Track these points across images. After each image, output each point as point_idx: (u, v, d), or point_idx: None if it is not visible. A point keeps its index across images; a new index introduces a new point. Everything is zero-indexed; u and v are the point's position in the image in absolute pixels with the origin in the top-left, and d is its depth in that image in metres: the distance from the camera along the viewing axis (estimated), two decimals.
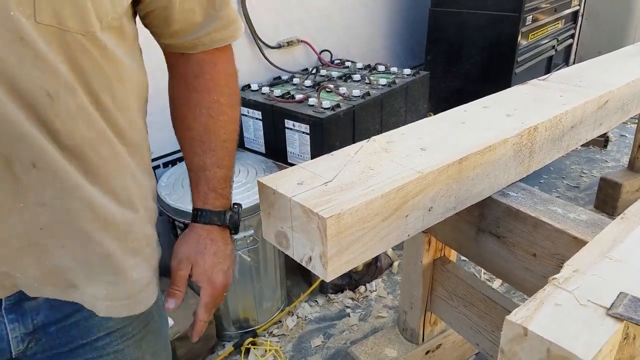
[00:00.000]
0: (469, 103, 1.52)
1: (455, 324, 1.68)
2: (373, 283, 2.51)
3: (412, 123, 1.39)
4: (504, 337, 0.71)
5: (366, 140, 1.26)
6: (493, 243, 1.39)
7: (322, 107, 2.13)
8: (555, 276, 0.79)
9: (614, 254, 0.84)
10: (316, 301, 2.41)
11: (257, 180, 1.07)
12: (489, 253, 1.41)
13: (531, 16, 2.93)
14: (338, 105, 2.14)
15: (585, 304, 0.72)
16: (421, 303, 1.73)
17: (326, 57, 2.91)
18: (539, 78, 1.76)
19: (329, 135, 2.09)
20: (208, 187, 0.97)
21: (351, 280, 2.47)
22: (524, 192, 1.37)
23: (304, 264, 1.02)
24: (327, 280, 1.00)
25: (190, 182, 1.00)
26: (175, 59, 0.96)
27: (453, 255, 1.73)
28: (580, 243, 1.16)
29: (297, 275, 2.55)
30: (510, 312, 1.44)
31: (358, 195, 0.99)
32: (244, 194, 1.96)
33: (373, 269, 2.52)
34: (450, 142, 1.22)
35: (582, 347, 0.65)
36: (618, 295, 0.73)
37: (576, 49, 4.31)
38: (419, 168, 1.08)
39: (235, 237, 1.90)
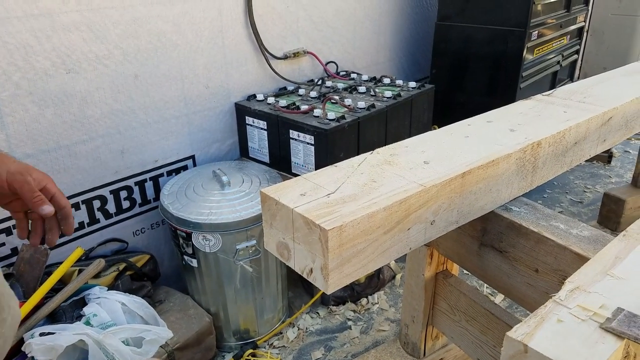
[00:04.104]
0: (473, 117, 1.52)
1: (456, 339, 1.67)
2: (375, 295, 2.50)
3: (416, 136, 1.39)
4: (504, 353, 0.71)
5: (370, 152, 1.27)
6: (495, 258, 1.39)
7: (327, 119, 2.14)
8: (557, 293, 0.79)
9: (615, 272, 0.84)
10: (317, 313, 2.40)
11: (260, 191, 1.08)
12: (491, 268, 1.41)
13: (537, 31, 2.94)
14: (343, 117, 2.15)
15: (586, 321, 0.71)
16: (423, 317, 1.73)
17: (332, 68, 2.93)
18: (543, 93, 1.76)
19: (333, 147, 2.10)
20: None
21: (353, 292, 2.46)
22: (527, 207, 1.37)
23: (305, 275, 1.02)
24: (328, 293, 1.00)
25: None
26: None
27: (455, 269, 1.72)
28: (582, 259, 1.16)
29: (298, 287, 2.54)
30: (512, 327, 1.44)
31: (360, 207, 0.99)
32: (247, 204, 1.96)
33: (375, 281, 2.51)
34: (454, 156, 1.22)
35: None
36: (614, 311, 0.72)
37: (580, 65, 4.32)
38: (422, 181, 1.08)
39: (238, 247, 1.92)
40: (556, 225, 1.28)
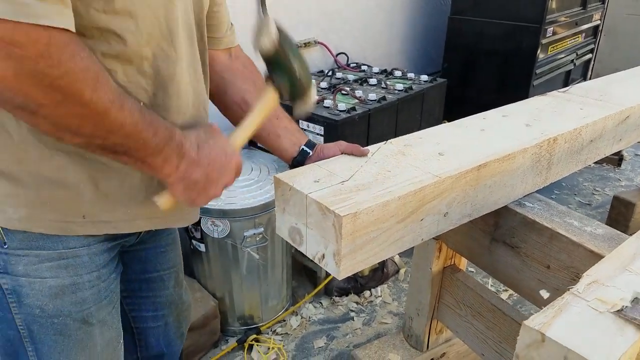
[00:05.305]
0: (489, 111, 1.51)
1: (461, 333, 1.66)
2: (378, 288, 2.50)
3: (430, 128, 1.38)
4: (520, 342, 0.70)
5: (384, 142, 1.26)
6: (506, 253, 1.37)
7: (337, 110, 2.12)
8: (574, 286, 0.78)
9: (634, 267, 0.83)
10: (321, 303, 2.40)
11: (274, 176, 1.07)
12: (501, 263, 1.40)
13: (552, 28, 2.91)
14: (354, 108, 2.14)
15: (604, 314, 0.71)
16: (428, 310, 1.72)
17: (342, 59, 2.91)
18: (560, 90, 1.75)
19: (343, 138, 2.08)
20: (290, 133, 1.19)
21: (357, 284, 2.45)
22: (541, 203, 1.36)
23: (316, 260, 1.02)
24: (339, 279, 0.99)
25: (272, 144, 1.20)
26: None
27: (463, 263, 1.71)
28: (596, 257, 1.15)
29: (302, 276, 2.54)
30: (519, 323, 1.43)
31: (375, 195, 0.98)
32: (256, 192, 1.96)
33: (379, 274, 2.51)
34: (469, 149, 1.21)
35: (600, 355, 0.64)
36: (633, 300, 0.72)
37: (593, 64, 4.29)
38: (437, 172, 1.07)
39: (245, 234, 1.91)
40: (570, 222, 1.26)
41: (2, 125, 0.82)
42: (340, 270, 0.96)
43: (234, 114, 1.18)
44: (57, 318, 0.96)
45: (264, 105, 0.99)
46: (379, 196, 0.98)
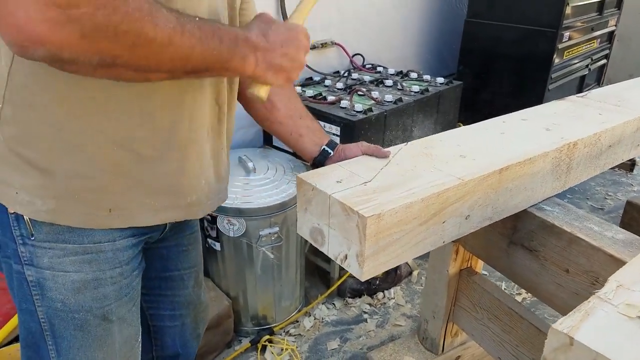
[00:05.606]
0: (507, 114, 1.51)
1: (477, 336, 1.66)
2: (391, 290, 2.50)
3: (450, 130, 1.39)
4: (548, 346, 0.71)
5: (404, 143, 1.26)
6: (524, 256, 1.38)
7: (354, 110, 2.13)
8: (600, 290, 0.78)
9: None
10: (333, 304, 2.41)
11: (297, 176, 1.08)
12: (519, 266, 1.40)
13: (568, 33, 2.91)
14: (370, 109, 2.14)
15: (633, 319, 0.71)
16: (444, 313, 1.72)
17: (358, 60, 2.92)
18: (578, 95, 1.74)
19: (359, 138, 2.08)
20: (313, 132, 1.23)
21: (370, 286, 2.46)
22: (560, 207, 1.36)
23: (338, 261, 1.02)
24: (362, 280, 1.00)
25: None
26: None
27: (479, 266, 1.72)
28: (616, 261, 1.14)
29: (314, 277, 2.54)
30: (537, 327, 1.43)
31: (398, 197, 0.99)
32: (272, 191, 1.97)
33: (392, 276, 2.51)
34: (490, 152, 1.21)
35: None
36: None
37: (605, 70, 4.27)
38: (460, 175, 1.08)
39: (261, 233, 1.92)
40: (590, 226, 1.26)
41: (35, 117, 0.84)
42: (363, 271, 0.96)
43: (257, 112, 1.20)
44: (78, 313, 0.97)
45: None
46: (403, 198, 0.98)
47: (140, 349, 1.14)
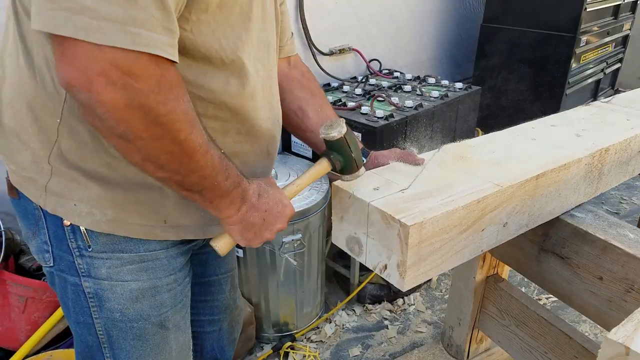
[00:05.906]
0: (535, 120, 1.50)
1: (504, 343, 1.65)
2: (411, 296, 2.49)
3: (480, 136, 1.38)
4: (602, 355, 0.70)
5: (436, 149, 1.26)
6: (556, 264, 1.37)
7: (375, 116, 2.13)
8: None
9: None
10: (353, 310, 2.40)
11: (333, 184, 1.08)
12: (550, 273, 1.39)
13: (585, 38, 2.90)
14: (392, 115, 2.14)
15: None
16: (470, 320, 1.71)
17: (375, 66, 2.92)
18: (602, 100, 1.73)
19: (381, 144, 2.09)
20: None
21: (389, 292, 2.44)
22: (592, 214, 1.35)
23: (377, 271, 1.02)
24: (404, 290, 0.99)
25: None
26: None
27: (505, 273, 1.71)
28: None
29: (333, 283, 2.54)
30: (567, 334, 1.42)
31: (438, 204, 0.98)
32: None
33: None
34: (524, 158, 1.21)
35: None
36: None
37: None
38: (498, 181, 1.07)
39: (284, 240, 1.92)
40: (624, 233, 1.25)
41: (92, 131, 0.84)
42: (405, 281, 0.96)
43: (291, 121, 1.20)
44: (137, 322, 0.98)
45: (317, 172, 1.04)
46: (443, 205, 0.98)
47: (191, 357, 1.14)
